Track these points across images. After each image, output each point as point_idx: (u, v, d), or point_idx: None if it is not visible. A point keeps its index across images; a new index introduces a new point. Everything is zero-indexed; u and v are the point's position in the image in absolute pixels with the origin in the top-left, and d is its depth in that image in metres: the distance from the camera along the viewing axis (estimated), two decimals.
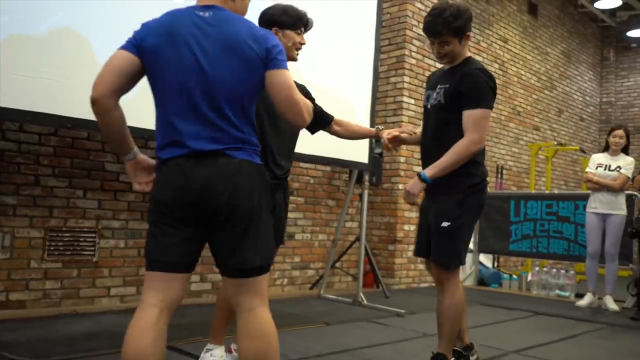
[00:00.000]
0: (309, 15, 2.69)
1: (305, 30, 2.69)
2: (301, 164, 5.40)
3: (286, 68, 1.85)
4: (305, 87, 2.83)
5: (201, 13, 1.81)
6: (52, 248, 3.95)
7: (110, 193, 4.24)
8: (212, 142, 1.75)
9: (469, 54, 2.68)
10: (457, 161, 2.53)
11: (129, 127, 1.84)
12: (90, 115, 3.63)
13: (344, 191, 5.84)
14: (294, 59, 2.65)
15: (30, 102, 3.29)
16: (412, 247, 5.51)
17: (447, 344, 2.64)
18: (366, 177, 5.18)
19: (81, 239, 4.09)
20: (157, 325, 1.71)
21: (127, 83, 1.78)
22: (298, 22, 2.62)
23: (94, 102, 1.73)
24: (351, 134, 3.00)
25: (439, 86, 2.65)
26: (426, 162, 2.67)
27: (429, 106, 2.71)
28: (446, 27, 2.52)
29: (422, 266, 6.07)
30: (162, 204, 1.75)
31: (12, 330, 3.29)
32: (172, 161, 1.76)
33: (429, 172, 2.56)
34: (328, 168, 5.74)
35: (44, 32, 3.34)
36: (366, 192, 5.16)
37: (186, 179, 1.73)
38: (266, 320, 1.78)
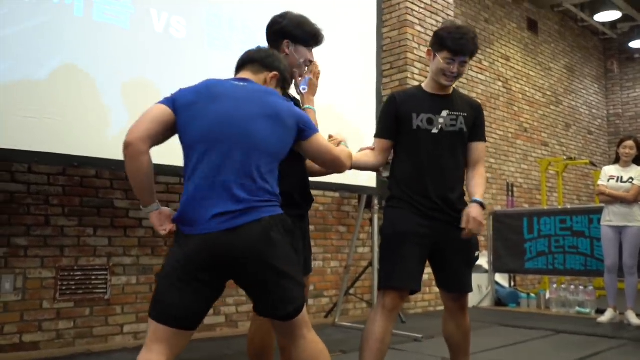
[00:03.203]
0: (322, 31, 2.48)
1: (315, 46, 2.49)
2: None
3: (317, 131, 2.04)
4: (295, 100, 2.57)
5: (237, 82, 1.97)
6: (64, 287, 3.94)
7: (121, 230, 4.24)
8: (244, 196, 1.80)
9: None
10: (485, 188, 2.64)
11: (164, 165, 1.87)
12: (96, 153, 3.68)
13: (354, 217, 5.81)
14: (302, 76, 2.48)
15: (37, 142, 3.32)
16: (427, 270, 5.44)
17: None
18: (375, 202, 5.16)
19: (93, 277, 4.08)
20: None
21: (161, 131, 1.86)
22: (313, 39, 2.42)
23: (127, 146, 1.79)
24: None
25: (447, 112, 2.54)
26: (443, 188, 2.52)
27: (436, 132, 2.53)
28: (476, 47, 2.50)
29: (437, 289, 5.98)
30: (192, 261, 1.77)
31: None
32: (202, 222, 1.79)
33: (481, 198, 2.53)
34: (337, 194, 5.72)
35: (47, 73, 3.39)
36: (376, 216, 5.13)
37: (213, 241, 1.77)
38: (317, 342, 1.95)
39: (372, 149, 2.67)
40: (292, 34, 2.39)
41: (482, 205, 2.50)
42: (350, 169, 2.42)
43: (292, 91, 2.49)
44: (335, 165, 2.14)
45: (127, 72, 3.67)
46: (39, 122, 3.35)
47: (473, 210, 2.46)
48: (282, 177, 2.00)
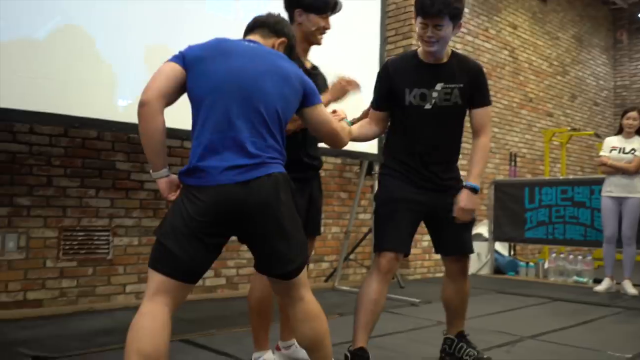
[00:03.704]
0: None
1: (333, 14, 2.52)
2: None
3: (321, 102, 2.05)
4: (322, 75, 2.69)
5: (247, 43, 1.98)
6: (66, 247, 4.00)
7: (122, 191, 4.27)
8: (256, 152, 1.81)
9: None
10: (487, 161, 2.57)
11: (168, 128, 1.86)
12: (97, 114, 3.69)
13: (356, 183, 5.83)
14: (318, 44, 2.55)
15: (38, 103, 3.33)
16: (426, 237, 5.49)
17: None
18: (377, 168, 5.16)
19: (95, 238, 4.13)
20: (169, 324, 1.77)
21: (174, 90, 1.86)
22: (325, 6, 2.46)
23: (144, 104, 1.78)
24: None
25: (440, 84, 2.48)
26: (433, 163, 2.53)
27: (429, 107, 2.48)
28: (447, 7, 2.30)
29: (437, 256, 6.03)
30: (207, 213, 1.77)
31: (30, 328, 3.34)
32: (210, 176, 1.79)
33: (475, 182, 2.49)
34: (339, 160, 5.73)
35: (47, 32, 3.38)
36: (377, 183, 5.14)
37: (227, 194, 1.77)
38: (315, 304, 1.96)
39: (365, 116, 2.69)
40: (304, 2, 2.43)
41: (474, 190, 2.48)
42: (352, 141, 2.45)
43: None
44: (333, 138, 2.12)
45: (128, 33, 3.65)
46: (41, 82, 3.36)
47: (463, 199, 2.47)
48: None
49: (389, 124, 2.69)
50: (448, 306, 2.79)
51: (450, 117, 2.54)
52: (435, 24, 2.34)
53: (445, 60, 2.51)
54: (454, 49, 2.58)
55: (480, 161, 2.54)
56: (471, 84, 2.53)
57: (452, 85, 2.49)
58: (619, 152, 5.14)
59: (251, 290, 2.53)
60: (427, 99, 2.49)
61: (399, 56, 2.65)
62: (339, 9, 2.54)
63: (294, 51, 2.18)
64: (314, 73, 2.61)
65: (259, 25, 2.08)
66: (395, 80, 2.52)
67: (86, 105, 3.52)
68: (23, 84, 3.28)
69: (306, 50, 2.60)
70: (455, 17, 2.36)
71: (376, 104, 2.63)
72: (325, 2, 2.46)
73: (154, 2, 3.75)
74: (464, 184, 2.51)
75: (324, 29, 2.49)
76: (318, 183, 2.68)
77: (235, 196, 1.77)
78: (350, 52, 4.81)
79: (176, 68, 1.85)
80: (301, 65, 2.48)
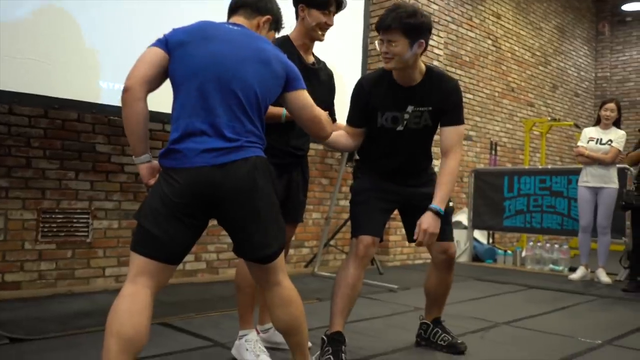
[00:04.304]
0: None
1: (337, 11, 2.56)
2: None
3: (304, 87, 2.03)
4: (326, 71, 2.72)
5: (230, 26, 1.98)
6: (45, 229, 3.97)
7: (102, 174, 4.25)
8: (233, 137, 1.81)
9: (423, 65, 2.50)
10: (454, 185, 2.59)
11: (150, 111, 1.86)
12: (78, 96, 3.66)
13: (337, 169, 5.86)
14: (319, 40, 2.56)
15: (17, 83, 3.30)
16: None
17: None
18: (357, 156, 5.19)
19: (74, 220, 4.11)
20: (150, 306, 1.78)
21: (158, 75, 1.86)
22: (327, 2, 2.50)
23: (127, 90, 1.79)
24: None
25: (412, 107, 2.49)
26: (407, 174, 2.61)
27: (401, 128, 2.51)
28: (396, 21, 2.30)
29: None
30: (184, 195, 1.77)
31: (8, 310, 3.33)
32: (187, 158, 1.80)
33: (440, 205, 2.44)
34: (321, 147, 5.74)
35: (29, 12, 3.33)
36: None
37: (203, 176, 1.78)
38: (291, 289, 1.97)
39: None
40: None
41: (438, 213, 2.43)
42: (329, 145, 2.53)
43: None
44: (315, 125, 2.09)
45: (110, 14, 3.61)
46: (21, 62, 3.32)
47: (426, 222, 2.41)
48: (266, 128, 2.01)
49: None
50: (429, 294, 2.86)
51: (421, 137, 2.60)
52: (387, 39, 2.36)
53: (418, 80, 2.49)
54: (430, 65, 2.57)
55: (448, 184, 2.50)
56: (443, 105, 2.52)
57: (422, 109, 2.50)
58: (596, 142, 5.22)
59: (238, 268, 2.57)
60: (398, 121, 2.52)
61: (373, 74, 2.62)
62: (344, 7, 2.58)
63: (280, 24, 2.17)
64: (316, 68, 2.63)
65: (241, 4, 2.06)
66: (370, 100, 2.53)
67: (67, 87, 3.49)
68: (2, 63, 3.23)
69: (307, 46, 2.61)
70: (410, 32, 2.33)
71: (352, 121, 2.61)
72: None
73: None
74: (429, 206, 2.45)
75: (325, 25, 2.52)
76: (302, 171, 2.70)
77: (211, 179, 1.77)
78: (334, 38, 4.79)
79: (159, 53, 1.85)
80: (301, 61, 2.51)
